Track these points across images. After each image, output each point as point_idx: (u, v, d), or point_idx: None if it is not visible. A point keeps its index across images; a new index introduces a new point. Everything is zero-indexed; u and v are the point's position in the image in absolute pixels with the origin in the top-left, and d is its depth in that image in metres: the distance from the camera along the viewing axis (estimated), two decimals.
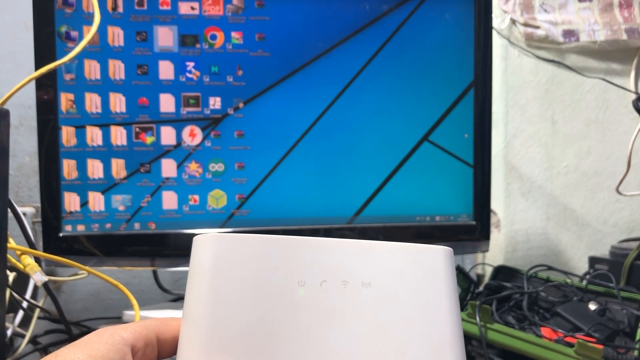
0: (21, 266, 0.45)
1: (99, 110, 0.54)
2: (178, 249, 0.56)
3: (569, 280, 0.63)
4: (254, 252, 0.26)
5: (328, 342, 0.26)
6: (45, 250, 0.54)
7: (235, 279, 0.26)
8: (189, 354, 0.25)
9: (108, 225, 0.55)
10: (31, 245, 0.48)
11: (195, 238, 0.27)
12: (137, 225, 0.56)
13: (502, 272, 0.70)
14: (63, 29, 0.53)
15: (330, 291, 0.27)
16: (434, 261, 0.28)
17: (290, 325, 0.26)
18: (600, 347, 0.45)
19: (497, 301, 0.58)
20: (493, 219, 0.87)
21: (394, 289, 0.27)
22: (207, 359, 0.25)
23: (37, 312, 0.58)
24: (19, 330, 0.59)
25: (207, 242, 0.27)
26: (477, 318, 0.52)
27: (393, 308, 0.27)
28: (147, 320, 0.29)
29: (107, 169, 0.55)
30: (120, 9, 0.54)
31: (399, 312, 0.27)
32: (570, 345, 0.47)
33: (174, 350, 0.28)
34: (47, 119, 0.53)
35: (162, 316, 0.29)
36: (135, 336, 0.27)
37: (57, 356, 0.24)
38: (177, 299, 0.71)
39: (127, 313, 0.57)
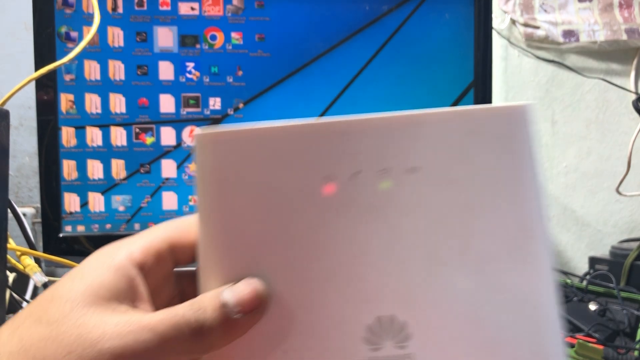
0: (21, 267, 0.45)
1: (99, 111, 0.54)
2: None
3: (569, 281, 0.63)
4: (265, 149, 0.21)
5: (367, 247, 0.21)
6: (45, 251, 0.54)
7: (247, 184, 0.21)
8: (211, 269, 0.22)
9: (108, 226, 0.55)
10: (31, 245, 0.48)
11: (195, 134, 0.22)
12: (137, 226, 0.56)
13: None
14: (63, 29, 0.53)
15: (367, 184, 0.21)
16: (508, 126, 0.21)
17: (319, 232, 0.21)
18: (600, 347, 0.45)
19: None
20: None
21: (452, 172, 0.21)
22: (232, 273, 0.21)
23: None
24: None
25: (207, 143, 0.22)
26: None
27: (452, 196, 0.21)
28: (156, 229, 0.24)
29: (107, 169, 0.55)
30: (120, 10, 0.54)
31: (461, 200, 0.21)
32: (571, 345, 0.47)
33: (192, 256, 0.24)
34: (47, 120, 0.53)
35: None
36: (144, 253, 0.22)
37: (54, 292, 0.21)
38: None
39: None
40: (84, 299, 0.20)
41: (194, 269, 0.23)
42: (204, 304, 0.21)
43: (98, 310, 0.20)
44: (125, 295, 0.21)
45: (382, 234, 0.21)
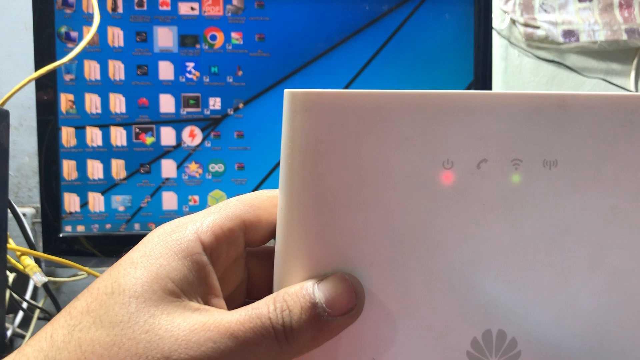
0: (21, 267, 0.45)
1: (99, 111, 0.54)
2: None
3: None
4: (375, 119, 0.18)
5: (484, 250, 0.18)
6: (45, 251, 0.54)
7: (348, 159, 0.18)
8: (292, 263, 0.19)
9: (108, 226, 0.55)
10: (31, 246, 0.48)
11: (290, 92, 0.18)
12: (137, 226, 0.56)
13: None
14: (63, 29, 0.53)
15: (494, 175, 0.18)
16: None
17: (430, 226, 0.18)
18: None
19: None
20: None
21: (596, 169, 0.18)
22: (321, 264, 0.18)
23: (37, 312, 0.58)
24: (19, 331, 0.59)
25: (304, 103, 0.18)
26: None
27: (592, 198, 0.18)
28: (227, 205, 0.20)
29: (107, 169, 0.55)
30: (120, 10, 0.54)
31: (602, 204, 0.18)
32: None
33: (268, 237, 0.21)
34: (47, 120, 0.53)
35: None
36: (215, 234, 0.19)
37: (114, 282, 0.18)
38: None
39: None
40: (151, 294, 0.17)
41: (264, 247, 0.21)
42: (289, 303, 0.18)
43: (168, 309, 0.17)
44: (196, 289, 0.18)
45: (503, 236, 0.18)
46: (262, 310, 0.18)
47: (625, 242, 0.18)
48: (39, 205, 0.67)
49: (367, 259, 0.18)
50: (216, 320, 0.17)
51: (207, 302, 0.19)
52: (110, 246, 0.55)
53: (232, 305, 0.20)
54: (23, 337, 0.58)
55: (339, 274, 0.18)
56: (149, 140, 0.55)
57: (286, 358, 0.18)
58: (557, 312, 0.18)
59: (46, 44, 0.53)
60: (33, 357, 0.17)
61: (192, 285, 0.18)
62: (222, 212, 0.20)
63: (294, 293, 0.18)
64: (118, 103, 0.54)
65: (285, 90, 0.19)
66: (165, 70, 0.55)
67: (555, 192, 0.18)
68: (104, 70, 0.54)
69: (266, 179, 0.57)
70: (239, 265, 0.21)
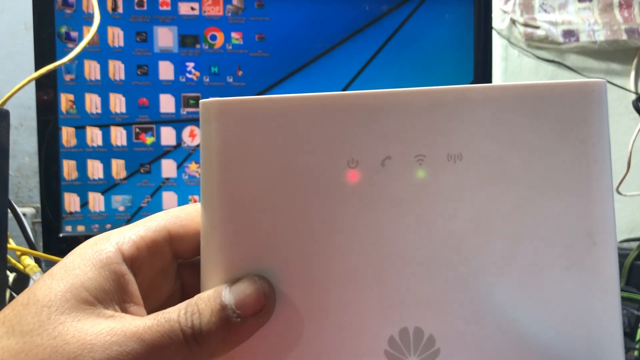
0: (21, 267, 0.45)
1: (99, 111, 0.54)
2: None
3: None
4: (281, 123, 0.18)
5: (394, 247, 0.18)
6: (45, 251, 0.54)
7: (258, 164, 0.18)
8: (214, 267, 0.19)
9: (108, 226, 0.55)
10: (31, 245, 0.48)
11: (201, 102, 0.19)
12: None
13: None
14: (63, 29, 0.53)
15: (399, 172, 0.18)
16: (580, 108, 0.17)
17: (339, 225, 0.18)
18: None
19: None
20: None
21: (502, 161, 0.17)
22: (236, 269, 0.19)
23: None
24: None
25: (214, 112, 0.19)
26: None
27: (500, 190, 0.18)
28: (152, 218, 0.21)
29: (107, 169, 0.55)
30: (120, 10, 0.54)
31: (511, 195, 0.17)
32: None
33: (198, 248, 0.20)
34: (47, 120, 0.53)
35: None
36: (136, 245, 0.20)
37: (30, 294, 0.18)
38: None
39: None
40: (63, 303, 0.18)
41: (196, 259, 0.21)
42: (200, 307, 0.18)
43: (79, 316, 0.17)
44: (112, 297, 0.19)
45: (413, 232, 0.18)
46: (172, 315, 0.18)
47: (537, 233, 0.18)
48: (39, 205, 0.67)
49: (280, 261, 0.19)
50: (124, 325, 0.18)
51: (125, 310, 0.19)
52: None
53: None
54: None
55: (250, 276, 0.19)
56: (149, 140, 0.55)
57: None
58: (475, 308, 0.18)
59: (46, 44, 0.53)
60: None
61: (108, 294, 0.18)
62: (146, 224, 0.20)
63: (207, 297, 0.19)
64: (118, 103, 0.54)
65: (200, 101, 0.19)
66: (165, 70, 0.55)
67: (462, 186, 0.18)
68: (104, 70, 0.54)
69: None
70: (168, 276, 0.22)
